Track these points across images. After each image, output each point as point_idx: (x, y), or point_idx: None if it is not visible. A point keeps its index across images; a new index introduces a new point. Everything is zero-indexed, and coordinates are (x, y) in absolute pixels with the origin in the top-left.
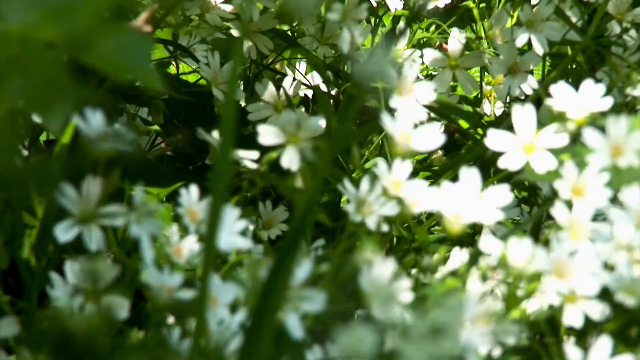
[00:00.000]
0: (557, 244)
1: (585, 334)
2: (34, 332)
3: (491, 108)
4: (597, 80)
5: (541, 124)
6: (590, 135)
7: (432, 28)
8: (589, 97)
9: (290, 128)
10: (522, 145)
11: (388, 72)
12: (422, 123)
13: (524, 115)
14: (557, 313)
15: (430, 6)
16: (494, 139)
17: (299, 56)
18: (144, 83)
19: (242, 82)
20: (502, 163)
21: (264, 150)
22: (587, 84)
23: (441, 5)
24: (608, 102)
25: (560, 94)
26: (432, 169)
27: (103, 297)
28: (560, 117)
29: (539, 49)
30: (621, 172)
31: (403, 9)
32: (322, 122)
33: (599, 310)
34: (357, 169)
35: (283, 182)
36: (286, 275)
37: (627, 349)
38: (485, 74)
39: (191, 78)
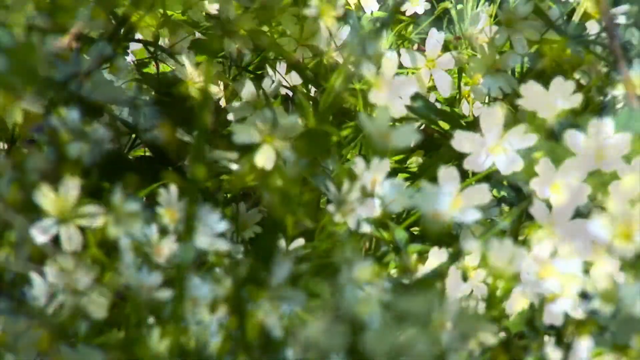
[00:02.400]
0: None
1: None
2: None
3: (470, 108)
4: (576, 80)
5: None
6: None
7: (410, 29)
8: (558, 95)
9: (266, 127)
10: (488, 146)
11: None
12: (401, 120)
13: (491, 115)
14: (537, 312)
15: (410, 12)
16: (460, 140)
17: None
18: None
19: (222, 83)
20: (467, 164)
21: (247, 150)
22: (557, 81)
23: (420, 10)
24: (577, 99)
25: (531, 93)
26: (410, 170)
27: (82, 297)
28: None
29: (518, 48)
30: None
31: (380, 10)
32: (298, 121)
33: (579, 309)
34: (337, 169)
35: (262, 182)
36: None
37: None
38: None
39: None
